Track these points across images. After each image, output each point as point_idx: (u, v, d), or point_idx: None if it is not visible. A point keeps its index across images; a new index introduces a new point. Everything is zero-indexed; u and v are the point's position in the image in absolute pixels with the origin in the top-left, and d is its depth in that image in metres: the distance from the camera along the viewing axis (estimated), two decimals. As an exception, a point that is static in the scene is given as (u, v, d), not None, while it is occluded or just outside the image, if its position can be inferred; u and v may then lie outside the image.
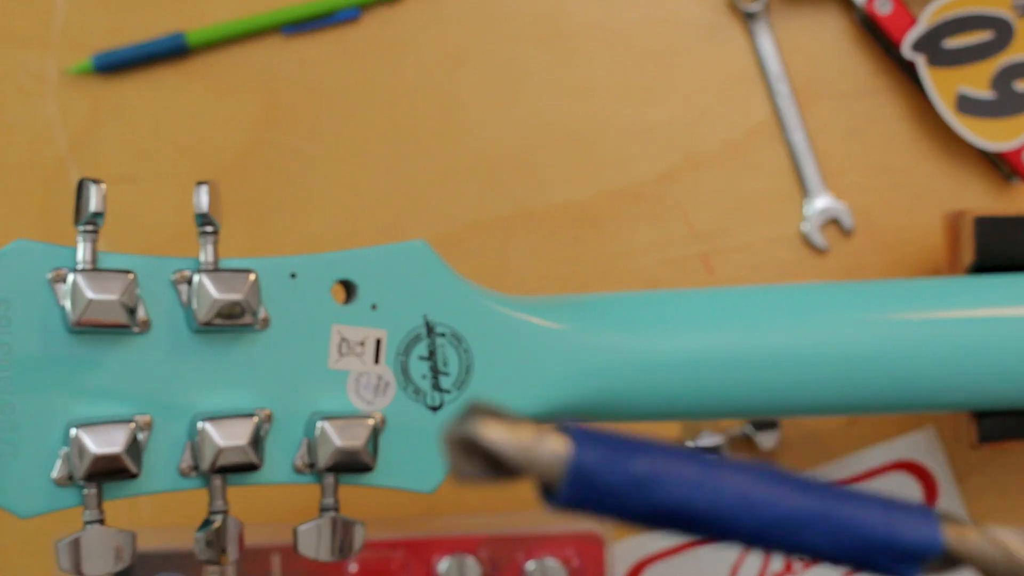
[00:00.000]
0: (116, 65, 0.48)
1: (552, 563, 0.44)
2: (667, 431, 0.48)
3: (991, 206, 0.49)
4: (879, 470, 0.48)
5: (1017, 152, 0.48)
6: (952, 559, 0.17)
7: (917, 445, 0.49)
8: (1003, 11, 0.48)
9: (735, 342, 0.37)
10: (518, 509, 0.46)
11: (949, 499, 0.48)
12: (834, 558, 0.17)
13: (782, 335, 0.38)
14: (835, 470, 0.48)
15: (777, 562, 0.47)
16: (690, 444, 0.48)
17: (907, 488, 0.48)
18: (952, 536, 0.17)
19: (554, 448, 0.16)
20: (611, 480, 0.16)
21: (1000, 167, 0.49)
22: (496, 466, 0.16)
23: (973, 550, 0.17)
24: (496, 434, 0.16)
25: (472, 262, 0.47)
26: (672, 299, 0.39)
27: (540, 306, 0.37)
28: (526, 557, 0.44)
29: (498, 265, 0.49)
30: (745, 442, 0.48)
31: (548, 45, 0.50)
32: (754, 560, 0.47)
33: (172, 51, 0.48)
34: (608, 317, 0.37)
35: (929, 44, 0.48)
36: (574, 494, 0.16)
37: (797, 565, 0.47)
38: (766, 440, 0.47)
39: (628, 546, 0.47)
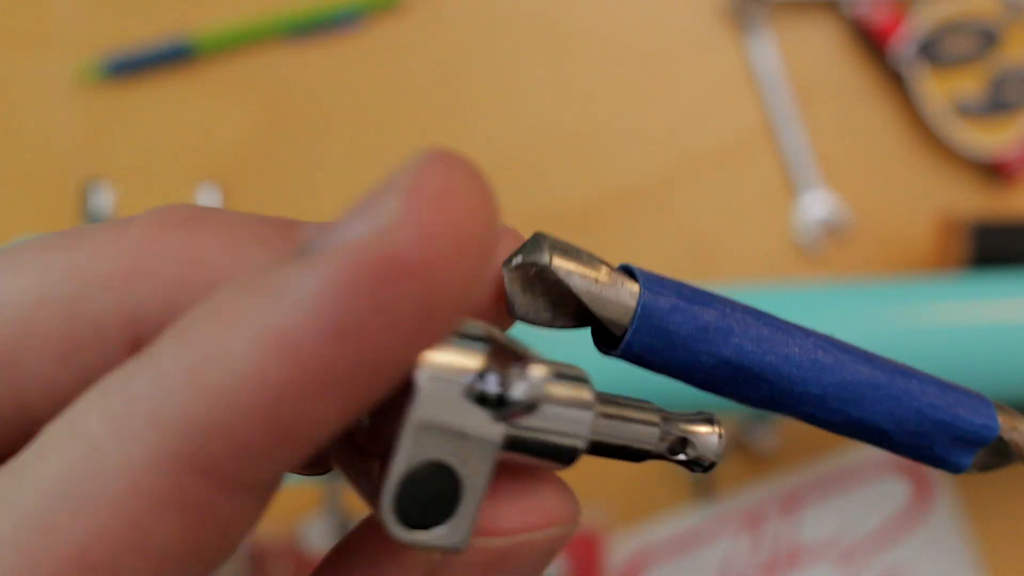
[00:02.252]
0: (122, 69, 0.49)
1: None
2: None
3: (980, 206, 0.50)
4: (874, 468, 0.49)
5: (1005, 153, 0.49)
6: (1001, 451, 0.16)
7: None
8: (990, 19, 0.49)
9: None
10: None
11: (945, 497, 0.49)
12: (890, 435, 0.16)
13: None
14: (829, 467, 0.49)
15: (764, 552, 0.48)
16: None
17: (899, 491, 0.48)
18: (1006, 424, 0.16)
19: (627, 289, 0.15)
20: (680, 328, 0.15)
21: (988, 168, 0.50)
22: (559, 304, 0.15)
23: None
24: (570, 266, 0.14)
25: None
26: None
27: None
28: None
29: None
30: (740, 440, 0.48)
31: (547, 50, 0.50)
32: (745, 558, 0.48)
33: (178, 56, 0.49)
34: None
35: (918, 50, 0.49)
36: (641, 340, 0.15)
37: (782, 559, 0.48)
38: (761, 437, 0.48)
39: (626, 546, 0.47)
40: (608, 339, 0.15)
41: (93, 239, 0.12)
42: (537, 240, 0.14)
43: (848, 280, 0.49)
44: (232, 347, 0.10)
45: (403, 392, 0.12)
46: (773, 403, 0.16)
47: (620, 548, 0.47)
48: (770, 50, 0.50)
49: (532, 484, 0.14)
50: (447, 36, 0.50)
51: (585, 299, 0.14)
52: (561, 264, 0.14)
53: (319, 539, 0.36)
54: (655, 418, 0.15)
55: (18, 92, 0.49)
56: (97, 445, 0.10)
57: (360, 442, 0.13)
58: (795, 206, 0.50)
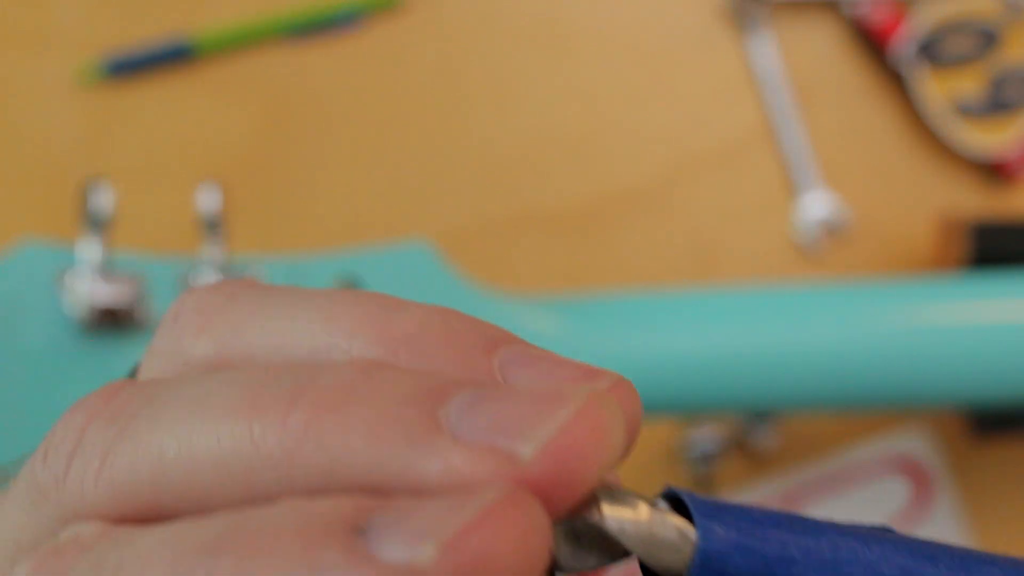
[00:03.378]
0: (123, 69, 0.49)
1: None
2: (665, 429, 0.48)
3: (980, 206, 0.50)
4: (874, 468, 0.49)
5: (1005, 153, 0.49)
6: None
7: (912, 443, 0.49)
8: (990, 19, 0.49)
9: (731, 341, 0.37)
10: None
11: (946, 497, 0.49)
12: None
13: (777, 334, 0.38)
14: (830, 467, 0.49)
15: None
16: (693, 434, 0.48)
17: (898, 489, 0.48)
18: None
19: (680, 532, 0.14)
20: (741, 567, 0.14)
21: (988, 168, 0.50)
22: (607, 551, 0.14)
23: None
24: (617, 518, 0.14)
25: (473, 262, 0.47)
26: (669, 300, 0.39)
27: (539, 306, 0.37)
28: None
29: (498, 265, 0.49)
30: (740, 439, 0.48)
31: (547, 50, 0.50)
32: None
33: (178, 56, 0.49)
34: (606, 317, 0.37)
35: (918, 50, 0.49)
36: None
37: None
38: (761, 437, 0.48)
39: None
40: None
41: None
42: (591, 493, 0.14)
43: (848, 280, 0.49)
44: None
45: None
46: None
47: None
48: (770, 50, 0.50)
49: None
50: (447, 36, 0.50)
51: (639, 552, 0.14)
52: (613, 518, 0.14)
53: None
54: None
55: (18, 92, 0.49)
56: None
57: None
58: (795, 206, 0.50)
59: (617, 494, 0.14)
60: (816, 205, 0.49)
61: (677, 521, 0.14)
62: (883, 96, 0.50)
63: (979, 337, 0.39)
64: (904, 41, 0.48)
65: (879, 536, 0.15)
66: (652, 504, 0.14)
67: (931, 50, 0.49)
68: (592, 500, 0.14)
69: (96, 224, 0.34)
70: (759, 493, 0.48)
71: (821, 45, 0.50)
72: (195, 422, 0.13)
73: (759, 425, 0.48)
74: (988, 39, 0.49)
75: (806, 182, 0.49)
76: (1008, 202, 0.50)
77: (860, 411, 0.39)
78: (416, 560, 0.11)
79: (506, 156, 0.50)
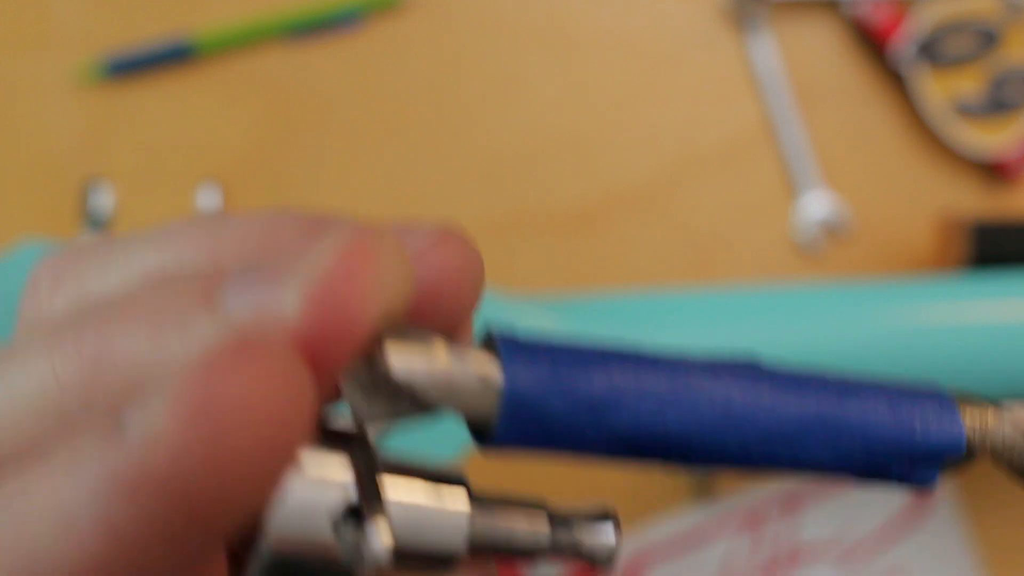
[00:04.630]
0: (123, 69, 0.49)
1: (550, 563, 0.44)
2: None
3: (980, 206, 0.50)
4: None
5: (1005, 153, 0.49)
6: (972, 451, 0.14)
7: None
8: (990, 19, 0.49)
9: (731, 341, 0.38)
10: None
11: (946, 497, 0.49)
12: (838, 470, 0.14)
13: (777, 334, 0.38)
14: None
15: (764, 552, 0.48)
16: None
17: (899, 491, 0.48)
18: (972, 426, 0.14)
19: (482, 373, 0.12)
20: (559, 409, 0.12)
21: (988, 168, 0.50)
22: (410, 401, 0.13)
23: (997, 440, 0.14)
24: (405, 362, 0.12)
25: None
26: (669, 300, 0.39)
27: (539, 306, 0.37)
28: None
29: (499, 265, 0.49)
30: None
31: (547, 50, 0.50)
32: (745, 558, 0.48)
33: (178, 56, 0.49)
34: (606, 317, 0.38)
35: (918, 50, 0.49)
36: (513, 430, 0.12)
37: (784, 559, 0.48)
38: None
39: (626, 546, 0.47)
40: (481, 431, 0.13)
41: None
42: (377, 335, 0.13)
43: (848, 280, 0.49)
44: (43, 518, 0.11)
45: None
46: (691, 462, 0.13)
47: (620, 548, 0.47)
48: (770, 50, 0.50)
49: None
50: (447, 36, 0.50)
51: (434, 396, 0.12)
52: (399, 362, 0.12)
53: None
54: (543, 522, 0.14)
55: (18, 92, 0.49)
56: None
57: (236, 554, 0.13)
58: (795, 206, 0.50)
59: (411, 338, 0.13)
60: (816, 205, 0.49)
61: (478, 365, 0.13)
62: (883, 96, 0.50)
63: (979, 337, 0.39)
64: (904, 41, 0.49)
65: (732, 367, 0.14)
66: (452, 348, 0.13)
67: (931, 50, 0.49)
68: (379, 342, 0.12)
69: (96, 224, 0.34)
70: (759, 493, 0.48)
71: (821, 45, 0.50)
72: (10, 374, 0.13)
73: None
74: (988, 39, 0.49)
75: (806, 182, 0.50)
76: (1008, 202, 0.50)
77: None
78: (146, 428, 0.11)
79: (506, 156, 0.50)
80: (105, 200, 0.34)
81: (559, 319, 0.37)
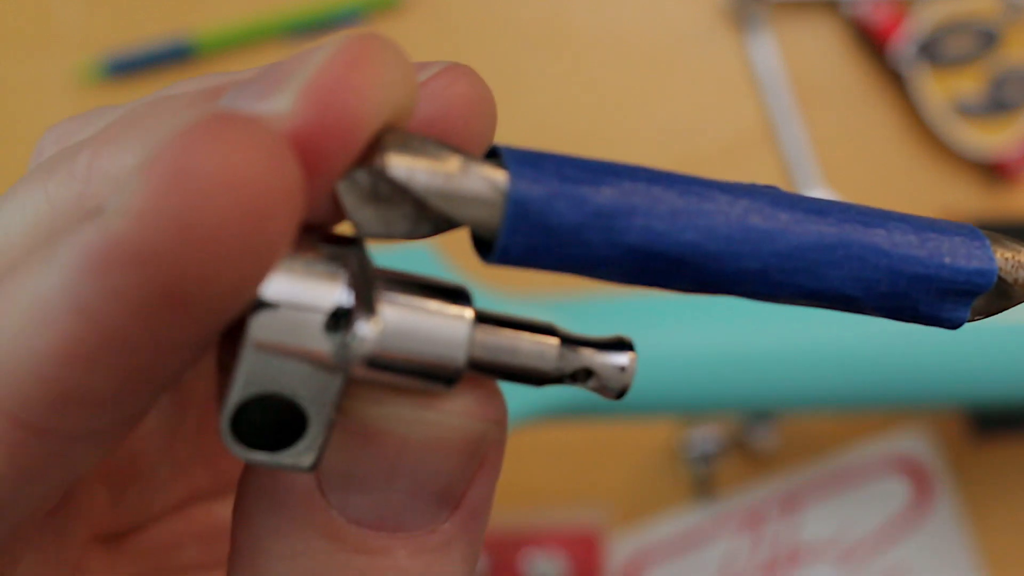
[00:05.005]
0: (122, 69, 0.49)
1: (550, 563, 0.44)
2: (665, 429, 0.48)
3: (980, 206, 0.50)
4: (874, 468, 0.49)
5: (1005, 153, 0.49)
6: (1004, 291, 0.13)
7: (912, 443, 0.49)
8: (990, 19, 0.49)
9: (731, 341, 0.38)
10: (515, 506, 0.46)
11: (946, 497, 0.49)
12: (860, 301, 0.13)
13: (777, 334, 0.38)
14: (830, 467, 0.49)
15: (764, 552, 0.48)
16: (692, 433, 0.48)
17: (898, 489, 0.49)
18: (1006, 260, 0.13)
19: (487, 179, 0.12)
20: (567, 218, 0.12)
21: (988, 168, 0.50)
22: (417, 211, 0.12)
23: None
24: (412, 164, 0.12)
25: (474, 262, 0.47)
26: (669, 300, 0.39)
27: (540, 306, 0.37)
28: (523, 557, 0.44)
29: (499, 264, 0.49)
30: (740, 439, 0.48)
31: (547, 50, 0.50)
32: (744, 556, 0.48)
33: (178, 56, 0.49)
34: (606, 317, 0.38)
35: (918, 50, 0.49)
36: (518, 240, 0.12)
37: (783, 558, 0.48)
38: (761, 437, 0.48)
39: (626, 546, 0.47)
40: (486, 243, 0.13)
41: None
42: (378, 141, 0.12)
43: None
44: (15, 311, 0.11)
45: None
46: (707, 287, 0.13)
47: (620, 548, 0.47)
48: (770, 50, 0.50)
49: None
50: (447, 36, 0.50)
51: (437, 203, 0.12)
52: (399, 163, 0.12)
53: None
54: (552, 342, 0.13)
55: (18, 92, 0.49)
56: None
57: (224, 363, 0.13)
58: (795, 206, 0.50)
59: (415, 144, 0.12)
60: (816, 205, 0.49)
61: (485, 170, 0.12)
62: (883, 96, 0.50)
63: (979, 337, 0.39)
64: (904, 41, 0.49)
65: (751, 187, 0.13)
66: (460, 154, 0.12)
67: (931, 50, 0.49)
68: (380, 149, 0.12)
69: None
70: (759, 493, 0.48)
71: (821, 45, 0.51)
72: (5, 208, 0.13)
73: (759, 425, 0.48)
74: (988, 39, 0.49)
75: (806, 182, 0.50)
76: (1008, 202, 0.50)
77: (860, 411, 0.39)
78: (119, 206, 0.10)
79: (506, 156, 0.50)
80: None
81: (559, 319, 0.37)
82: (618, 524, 0.48)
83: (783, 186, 0.50)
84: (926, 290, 0.13)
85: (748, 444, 0.48)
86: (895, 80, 0.50)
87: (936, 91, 0.49)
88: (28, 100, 0.49)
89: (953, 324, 0.13)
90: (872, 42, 0.50)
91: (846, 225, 0.13)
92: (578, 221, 0.12)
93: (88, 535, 0.16)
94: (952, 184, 0.50)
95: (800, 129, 0.50)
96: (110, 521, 0.17)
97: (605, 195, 0.12)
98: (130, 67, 0.49)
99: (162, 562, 0.18)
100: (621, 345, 0.13)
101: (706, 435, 0.48)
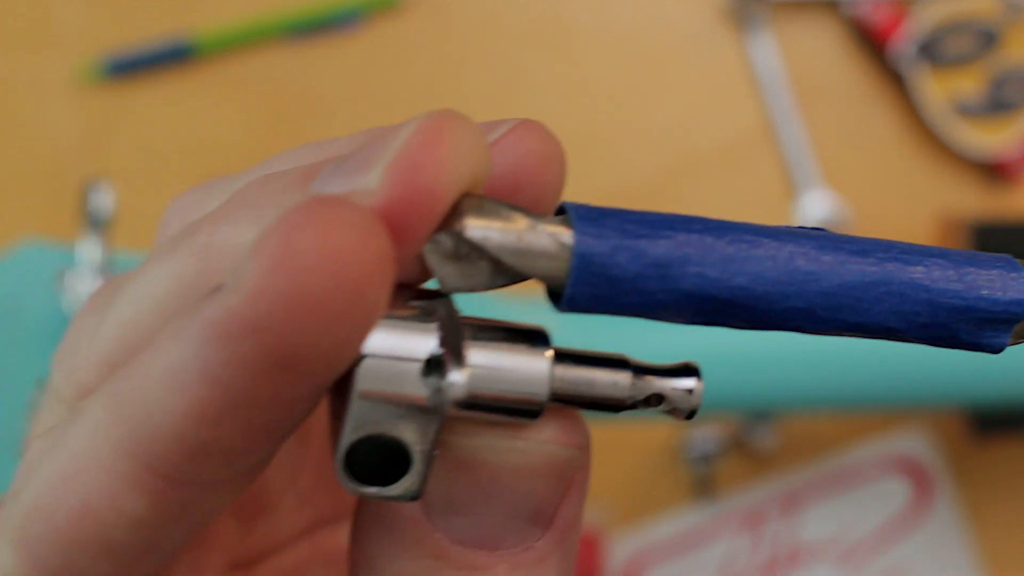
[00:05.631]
0: (122, 69, 0.49)
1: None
2: (665, 429, 0.48)
3: (980, 206, 0.50)
4: (874, 468, 0.49)
5: (1005, 153, 0.49)
6: None
7: (912, 443, 0.49)
8: (990, 19, 0.49)
9: (732, 341, 0.38)
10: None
11: (946, 497, 0.49)
12: (902, 332, 0.14)
13: (778, 334, 0.38)
14: (830, 467, 0.49)
15: (764, 552, 0.48)
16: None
17: (898, 489, 0.49)
18: None
19: (554, 237, 0.13)
20: (627, 269, 0.13)
21: (988, 168, 0.50)
22: (494, 267, 0.13)
23: None
24: (481, 226, 0.13)
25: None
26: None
27: (540, 306, 0.37)
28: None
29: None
30: (740, 439, 0.48)
31: (547, 50, 0.50)
32: (744, 556, 0.48)
33: (178, 56, 0.49)
34: (607, 318, 0.38)
35: (918, 50, 0.49)
36: (583, 291, 0.13)
37: (783, 560, 0.48)
38: (761, 437, 0.48)
39: (626, 546, 0.47)
40: (556, 294, 0.14)
41: None
42: (456, 206, 0.13)
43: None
44: (153, 374, 0.13)
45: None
46: (759, 324, 0.14)
47: (620, 548, 0.47)
48: (770, 50, 0.50)
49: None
50: (447, 36, 0.50)
51: (510, 260, 0.13)
52: (475, 226, 0.13)
53: None
54: (626, 375, 0.14)
55: (18, 92, 0.49)
56: (85, 445, 0.13)
57: (335, 411, 0.14)
58: (795, 206, 0.50)
59: (489, 208, 0.13)
60: (816, 205, 0.49)
61: (551, 227, 0.13)
62: (883, 96, 0.50)
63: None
64: (904, 41, 0.49)
65: (798, 231, 0.14)
66: (529, 215, 0.13)
67: (931, 50, 0.49)
68: (458, 214, 0.13)
69: (96, 224, 0.34)
70: (759, 493, 0.48)
71: (821, 45, 0.51)
72: (134, 285, 0.15)
73: (759, 425, 0.48)
74: (988, 39, 0.49)
75: (806, 182, 0.50)
76: (1008, 202, 0.50)
77: (860, 411, 0.39)
78: (236, 284, 0.12)
79: (506, 156, 0.50)
80: (105, 200, 0.34)
81: (559, 319, 0.37)
82: (618, 524, 0.48)
83: (782, 185, 0.50)
84: (965, 320, 0.14)
85: (748, 444, 0.48)
86: (895, 80, 0.50)
87: (936, 91, 0.49)
88: (28, 100, 0.49)
89: (994, 349, 0.14)
90: (872, 42, 0.50)
91: (887, 264, 0.14)
92: (637, 271, 0.13)
93: (222, 564, 0.18)
94: (952, 184, 0.50)
95: (800, 129, 0.50)
96: (242, 550, 0.19)
97: (661, 247, 0.13)
98: (130, 67, 0.49)
99: None
100: (688, 371, 0.15)
101: (706, 435, 0.48)
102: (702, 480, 0.48)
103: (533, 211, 0.14)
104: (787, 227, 0.14)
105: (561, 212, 0.14)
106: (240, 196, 0.14)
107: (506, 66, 0.50)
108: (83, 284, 0.33)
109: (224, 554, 0.18)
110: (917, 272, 0.14)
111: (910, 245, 0.14)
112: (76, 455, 0.13)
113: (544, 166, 0.14)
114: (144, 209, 0.49)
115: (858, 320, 0.14)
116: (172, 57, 0.49)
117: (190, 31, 0.49)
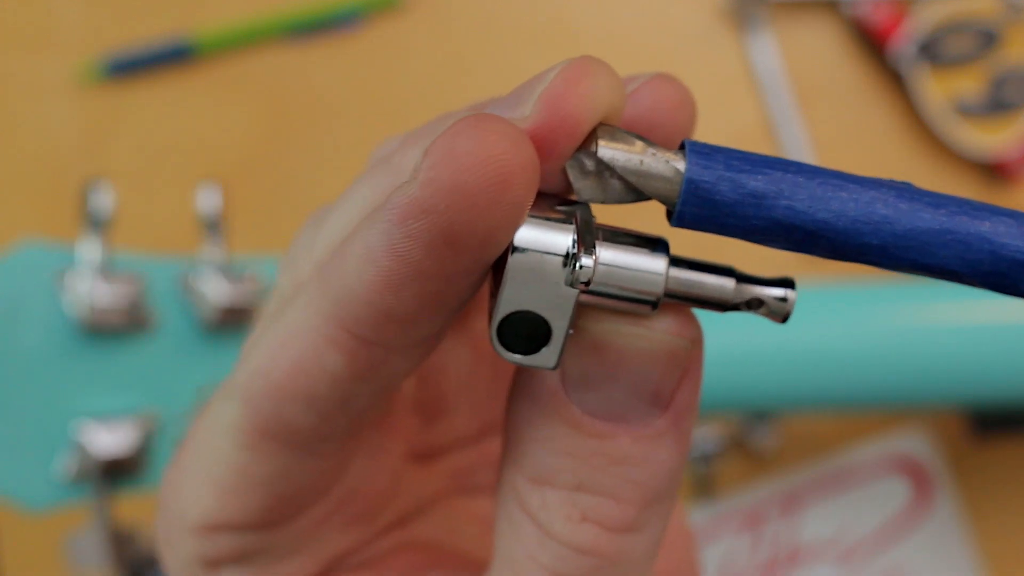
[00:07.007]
0: (122, 69, 0.49)
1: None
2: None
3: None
4: (874, 468, 0.49)
5: (1005, 153, 0.49)
6: None
7: (912, 443, 0.49)
8: (990, 19, 0.49)
9: (732, 341, 0.38)
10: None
11: (946, 497, 0.49)
12: (965, 276, 0.16)
13: (778, 334, 0.38)
14: (830, 467, 0.49)
15: (764, 552, 0.48)
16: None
17: (898, 489, 0.49)
18: None
19: (670, 163, 0.16)
20: (728, 197, 0.16)
21: (988, 168, 0.50)
22: (621, 184, 0.16)
23: None
24: (615, 151, 0.16)
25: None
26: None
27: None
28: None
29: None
30: (740, 439, 0.48)
31: (548, 50, 0.50)
32: (744, 554, 0.48)
33: (178, 56, 0.49)
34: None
35: (918, 50, 0.49)
36: (691, 211, 0.16)
37: (783, 560, 0.48)
38: (761, 437, 0.48)
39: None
40: (670, 212, 0.17)
41: None
42: (593, 132, 0.16)
43: (848, 280, 0.50)
44: (352, 253, 0.16)
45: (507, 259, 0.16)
46: (837, 255, 0.16)
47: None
48: (770, 50, 0.50)
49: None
50: (448, 36, 0.50)
51: (632, 180, 0.16)
52: (605, 149, 0.16)
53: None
54: (730, 280, 0.17)
55: (18, 92, 0.49)
56: (299, 315, 0.17)
57: (493, 291, 0.17)
58: (795, 206, 0.50)
59: (620, 135, 0.16)
60: (816, 205, 0.49)
61: (669, 155, 0.16)
62: (883, 96, 0.50)
63: (979, 337, 0.39)
64: (904, 41, 0.49)
65: (884, 182, 0.16)
66: (653, 145, 0.16)
67: (931, 50, 0.49)
68: (594, 138, 0.16)
69: (96, 224, 0.34)
70: (759, 493, 0.48)
71: (821, 45, 0.51)
72: (345, 200, 0.19)
73: (759, 425, 0.48)
74: (988, 39, 0.49)
75: (806, 182, 0.49)
76: (1008, 202, 0.50)
77: (860, 411, 0.39)
78: (414, 179, 0.15)
79: (506, 156, 0.50)
80: (105, 200, 0.34)
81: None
82: (618, 524, 0.48)
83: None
84: (1021, 271, 0.16)
85: (748, 444, 0.48)
86: (895, 80, 0.50)
87: (936, 91, 0.49)
88: (28, 100, 0.49)
89: None
90: (872, 42, 0.50)
91: (957, 216, 0.16)
92: (736, 199, 0.16)
93: (404, 452, 0.21)
94: (952, 184, 0.50)
95: (800, 129, 0.50)
96: (420, 444, 0.22)
97: (758, 180, 0.16)
98: (130, 67, 0.49)
99: (460, 481, 0.23)
100: (784, 283, 0.17)
101: (706, 435, 0.48)
102: (702, 480, 0.48)
103: (665, 146, 0.17)
104: (875, 178, 0.16)
105: (682, 145, 0.17)
106: (421, 128, 0.18)
107: (506, 66, 0.50)
108: (83, 284, 0.33)
109: (404, 443, 0.21)
110: (984, 226, 0.16)
111: (983, 203, 0.16)
112: (291, 324, 0.17)
113: (677, 108, 0.17)
114: (144, 209, 0.49)
115: (925, 261, 0.16)
116: (172, 57, 0.49)
117: (190, 31, 0.49)
